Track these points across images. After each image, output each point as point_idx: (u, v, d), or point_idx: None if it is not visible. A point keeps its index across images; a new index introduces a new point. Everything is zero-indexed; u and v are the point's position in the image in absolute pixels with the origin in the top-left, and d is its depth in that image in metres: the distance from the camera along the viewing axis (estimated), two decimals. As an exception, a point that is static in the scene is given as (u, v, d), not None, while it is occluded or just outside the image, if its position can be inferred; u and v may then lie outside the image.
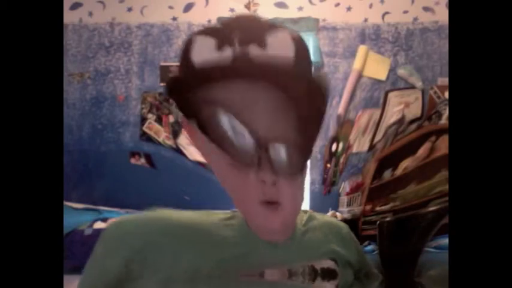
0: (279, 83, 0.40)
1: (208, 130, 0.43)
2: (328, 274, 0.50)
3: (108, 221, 1.63)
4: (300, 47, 0.43)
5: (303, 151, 0.45)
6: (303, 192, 0.51)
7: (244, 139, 0.42)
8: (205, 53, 0.41)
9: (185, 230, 0.50)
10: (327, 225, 0.57)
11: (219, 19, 2.22)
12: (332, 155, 2.20)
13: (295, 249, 0.52)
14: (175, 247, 0.48)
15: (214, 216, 0.54)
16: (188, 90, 0.43)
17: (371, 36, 2.24)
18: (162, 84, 2.23)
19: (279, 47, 0.41)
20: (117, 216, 1.23)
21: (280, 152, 0.43)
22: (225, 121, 0.41)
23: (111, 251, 0.47)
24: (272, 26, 0.43)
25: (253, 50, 0.40)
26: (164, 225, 0.49)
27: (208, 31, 0.43)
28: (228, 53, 0.40)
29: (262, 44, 0.40)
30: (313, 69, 0.47)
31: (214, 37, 0.42)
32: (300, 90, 0.41)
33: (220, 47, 0.41)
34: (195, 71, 0.41)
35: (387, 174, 2.02)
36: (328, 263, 0.52)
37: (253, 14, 0.48)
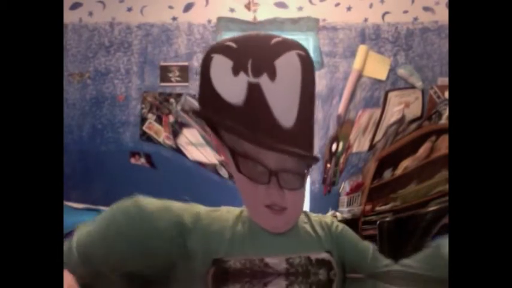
0: (279, 148, 0.49)
1: (229, 145, 0.51)
2: (323, 264, 0.55)
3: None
4: (307, 66, 0.50)
5: (302, 175, 0.54)
6: (304, 197, 0.59)
7: (259, 168, 0.50)
8: (223, 75, 0.48)
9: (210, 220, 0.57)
10: (322, 223, 0.62)
11: (219, 19, 2.22)
12: (332, 155, 2.20)
13: (294, 240, 0.57)
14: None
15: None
16: (213, 114, 0.50)
17: (371, 36, 2.24)
18: (162, 84, 2.23)
19: (287, 78, 0.48)
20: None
21: (285, 176, 0.52)
22: (243, 147, 0.50)
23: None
24: (282, 47, 0.49)
25: (265, 85, 0.47)
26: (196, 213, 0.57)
27: (225, 51, 0.49)
28: (242, 82, 0.47)
29: (272, 74, 0.47)
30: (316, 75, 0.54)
31: (231, 59, 0.48)
32: (297, 155, 0.51)
33: (236, 72, 0.47)
34: (217, 98, 0.48)
35: (387, 174, 2.01)
36: (323, 255, 0.56)
37: (265, 34, 0.54)
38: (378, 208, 1.94)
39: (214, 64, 0.49)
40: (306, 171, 0.55)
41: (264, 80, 0.47)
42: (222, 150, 0.55)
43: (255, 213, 0.56)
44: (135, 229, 0.50)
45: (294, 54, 0.49)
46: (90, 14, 2.28)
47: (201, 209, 0.58)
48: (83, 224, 0.52)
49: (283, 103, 0.48)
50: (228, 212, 0.59)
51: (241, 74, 0.47)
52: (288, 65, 0.48)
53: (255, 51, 0.48)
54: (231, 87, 0.47)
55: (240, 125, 0.48)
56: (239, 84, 0.47)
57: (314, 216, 0.63)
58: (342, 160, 2.20)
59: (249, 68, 0.47)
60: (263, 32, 0.54)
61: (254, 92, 0.47)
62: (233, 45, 0.49)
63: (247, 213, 0.58)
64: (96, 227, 0.51)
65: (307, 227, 0.60)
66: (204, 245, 0.53)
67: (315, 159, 0.54)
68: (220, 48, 0.49)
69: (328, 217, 0.65)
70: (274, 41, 0.49)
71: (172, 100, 2.22)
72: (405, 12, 2.25)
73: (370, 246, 0.61)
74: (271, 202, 0.53)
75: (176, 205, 0.56)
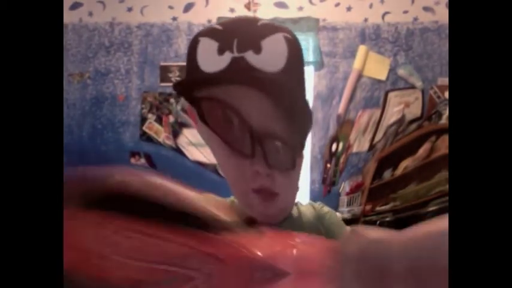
0: (268, 92, 0.45)
1: (208, 120, 0.48)
2: None
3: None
4: (294, 48, 0.48)
5: (293, 148, 0.50)
6: (298, 184, 0.56)
7: (240, 132, 0.47)
8: (208, 56, 0.47)
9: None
10: (311, 210, 0.62)
11: (219, 19, 2.22)
12: (332, 155, 2.20)
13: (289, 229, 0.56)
14: None
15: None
16: (194, 89, 0.48)
17: (371, 36, 2.24)
18: (162, 84, 2.23)
19: (273, 53, 0.46)
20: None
21: (273, 147, 0.48)
22: (223, 115, 0.47)
23: None
24: (269, 28, 0.48)
25: (249, 57, 0.45)
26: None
27: (211, 33, 0.48)
28: (227, 58, 0.46)
29: (257, 50, 0.46)
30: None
31: (217, 40, 0.47)
32: (286, 99, 0.47)
33: (221, 51, 0.46)
34: (200, 73, 0.47)
35: (387, 174, 2.02)
36: None
37: (252, 17, 0.51)
38: (378, 208, 1.94)
39: (200, 46, 0.48)
40: (298, 145, 0.51)
41: (248, 54, 0.46)
42: (202, 131, 0.52)
43: (244, 201, 0.52)
44: None
45: (281, 36, 0.48)
46: (90, 14, 2.28)
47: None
48: None
49: (267, 67, 0.46)
50: (219, 201, 0.58)
51: (226, 53, 0.46)
52: (274, 45, 0.47)
53: (241, 32, 0.47)
54: (216, 63, 0.46)
55: (219, 82, 0.46)
56: (223, 59, 0.46)
57: (301, 206, 0.63)
58: (342, 160, 2.20)
59: (234, 46, 0.46)
60: (248, 15, 0.52)
61: (237, 61, 0.45)
62: (219, 27, 0.48)
63: (237, 203, 0.56)
64: None
65: (298, 217, 0.60)
66: None
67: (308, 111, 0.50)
68: (207, 32, 0.49)
69: (315, 204, 0.64)
70: (260, 23, 0.49)
71: (172, 100, 2.22)
72: (405, 12, 2.25)
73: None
74: (260, 185, 0.49)
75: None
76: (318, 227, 0.60)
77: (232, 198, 0.58)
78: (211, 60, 0.46)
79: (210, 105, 0.47)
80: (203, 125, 0.48)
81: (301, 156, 0.54)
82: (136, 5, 2.27)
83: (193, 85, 0.49)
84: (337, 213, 2.04)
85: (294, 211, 0.60)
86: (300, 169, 0.54)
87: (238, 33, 0.47)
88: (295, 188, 0.56)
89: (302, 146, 0.53)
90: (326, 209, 0.63)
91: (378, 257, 0.29)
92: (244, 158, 0.48)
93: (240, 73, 0.45)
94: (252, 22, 0.49)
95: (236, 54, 0.45)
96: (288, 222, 0.58)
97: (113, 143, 2.22)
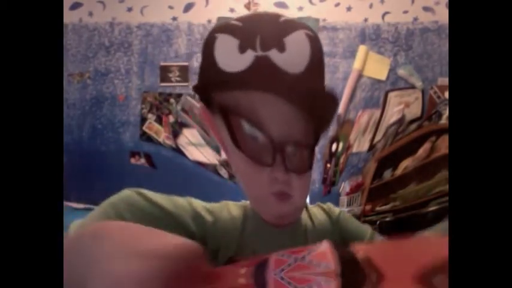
0: (292, 96, 0.43)
1: (226, 127, 0.46)
2: None
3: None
4: (316, 45, 0.47)
5: (311, 150, 0.49)
6: (309, 184, 0.55)
7: (260, 141, 0.45)
8: (228, 54, 0.44)
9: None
10: (320, 212, 0.62)
11: (219, 19, 2.22)
12: (332, 155, 2.20)
13: (299, 234, 0.56)
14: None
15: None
16: (213, 90, 0.46)
17: (371, 36, 2.24)
18: (162, 84, 2.23)
19: (297, 51, 0.44)
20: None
21: (292, 153, 0.46)
22: (244, 124, 0.45)
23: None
24: (290, 25, 0.46)
25: (273, 55, 0.43)
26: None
27: (230, 30, 0.45)
28: (249, 57, 0.43)
29: (281, 48, 0.43)
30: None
31: (237, 37, 0.44)
32: (308, 103, 0.44)
33: (243, 49, 0.43)
34: (219, 72, 0.44)
35: (387, 174, 2.02)
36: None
37: (272, 12, 0.49)
38: (378, 208, 1.94)
39: (218, 43, 0.45)
40: (314, 144, 0.49)
41: (272, 52, 0.43)
42: (218, 133, 0.50)
43: (259, 204, 0.52)
44: (144, 213, 0.47)
45: (303, 33, 0.46)
46: (90, 14, 2.28)
47: (207, 205, 0.56)
48: (77, 222, 0.50)
49: (291, 68, 0.43)
50: (234, 206, 0.57)
51: (249, 51, 0.43)
52: (297, 43, 0.45)
53: (263, 29, 0.44)
54: (237, 62, 0.43)
55: (243, 85, 0.43)
56: (246, 58, 0.43)
57: (312, 207, 0.62)
58: (342, 160, 2.19)
59: (257, 44, 0.43)
60: (267, 11, 0.50)
61: (261, 60, 0.43)
62: (239, 23, 0.45)
63: (251, 208, 0.56)
64: (90, 219, 0.47)
65: (308, 219, 0.59)
66: (216, 244, 0.51)
67: (333, 99, 0.46)
68: (225, 28, 0.45)
69: (324, 205, 0.64)
70: (282, 19, 0.46)
71: (172, 100, 2.22)
72: (405, 12, 2.25)
73: (369, 229, 0.61)
74: (278, 190, 0.48)
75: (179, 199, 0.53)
76: (331, 229, 0.59)
77: (244, 202, 0.58)
78: (232, 58, 0.43)
79: (229, 110, 0.45)
80: (226, 130, 0.46)
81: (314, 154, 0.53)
82: (136, 5, 2.27)
83: (215, 87, 0.46)
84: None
85: (305, 214, 0.60)
86: (311, 173, 0.53)
87: (260, 30, 0.44)
88: (308, 187, 0.54)
89: (316, 143, 0.51)
90: (337, 209, 0.63)
91: None
92: (264, 165, 0.46)
93: (265, 75, 0.43)
94: (273, 18, 0.47)
95: (260, 53, 0.43)
96: (298, 225, 0.57)
97: (113, 143, 2.22)
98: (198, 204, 0.55)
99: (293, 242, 0.53)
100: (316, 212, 0.61)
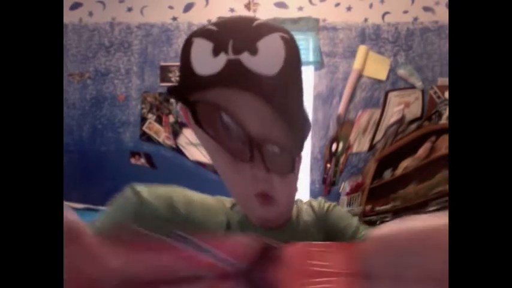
0: (265, 96, 0.44)
1: (204, 125, 0.47)
2: None
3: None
4: (291, 48, 0.46)
5: (292, 153, 0.50)
6: (296, 187, 0.56)
7: (238, 137, 0.46)
8: (203, 57, 0.45)
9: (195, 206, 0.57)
10: (309, 210, 0.63)
11: (219, 19, 2.22)
12: (332, 155, 2.20)
13: (291, 234, 0.57)
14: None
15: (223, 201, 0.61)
16: (188, 92, 0.47)
17: (371, 36, 2.24)
18: (162, 84, 2.23)
19: (270, 54, 0.45)
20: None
21: (271, 152, 0.47)
22: (221, 119, 0.46)
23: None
24: (265, 28, 0.46)
25: (245, 59, 0.44)
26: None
27: (206, 34, 0.46)
28: (222, 60, 0.44)
29: (253, 51, 0.44)
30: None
31: (211, 41, 0.45)
32: (283, 103, 0.46)
33: (216, 52, 0.44)
34: (194, 75, 0.45)
35: (387, 174, 2.02)
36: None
37: (248, 16, 0.51)
38: (378, 208, 1.94)
39: (194, 47, 0.46)
40: (296, 148, 0.50)
41: (244, 56, 0.44)
42: (198, 132, 0.51)
43: (244, 204, 0.54)
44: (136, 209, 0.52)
45: (278, 36, 0.46)
46: (90, 14, 2.28)
47: (194, 197, 0.58)
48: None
49: (264, 70, 0.44)
50: (218, 202, 0.59)
51: (222, 55, 0.44)
52: (271, 46, 0.45)
53: (237, 33, 0.46)
54: (210, 65, 0.44)
55: (215, 85, 0.45)
56: (219, 61, 0.44)
57: (301, 204, 0.63)
58: (342, 160, 2.20)
59: (229, 48, 0.44)
60: (244, 15, 0.50)
61: (233, 63, 0.44)
62: (214, 28, 0.47)
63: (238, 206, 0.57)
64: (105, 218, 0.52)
65: (295, 216, 0.60)
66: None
67: (305, 119, 0.49)
68: (201, 32, 0.47)
69: (315, 201, 0.64)
70: (256, 23, 0.47)
71: (172, 100, 2.22)
72: (405, 12, 2.25)
73: (353, 226, 0.61)
74: (260, 190, 0.50)
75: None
76: (318, 227, 0.60)
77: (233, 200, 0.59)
78: (206, 62, 0.45)
79: (206, 109, 0.46)
80: (198, 128, 0.48)
81: (299, 159, 0.54)
82: (136, 5, 2.27)
83: (188, 89, 0.47)
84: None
85: (294, 212, 0.61)
86: (298, 172, 0.54)
87: (233, 34, 0.45)
88: (293, 191, 0.56)
89: (300, 149, 0.52)
90: (327, 204, 0.63)
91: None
92: (243, 162, 0.47)
93: (235, 76, 0.44)
94: (247, 22, 0.48)
95: (231, 56, 0.44)
96: (288, 225, 0.58)
97: (113, 143, 2.22)
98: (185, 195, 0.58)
99: (280, 239, 0.54)
100: (303, 209, 0.62)
